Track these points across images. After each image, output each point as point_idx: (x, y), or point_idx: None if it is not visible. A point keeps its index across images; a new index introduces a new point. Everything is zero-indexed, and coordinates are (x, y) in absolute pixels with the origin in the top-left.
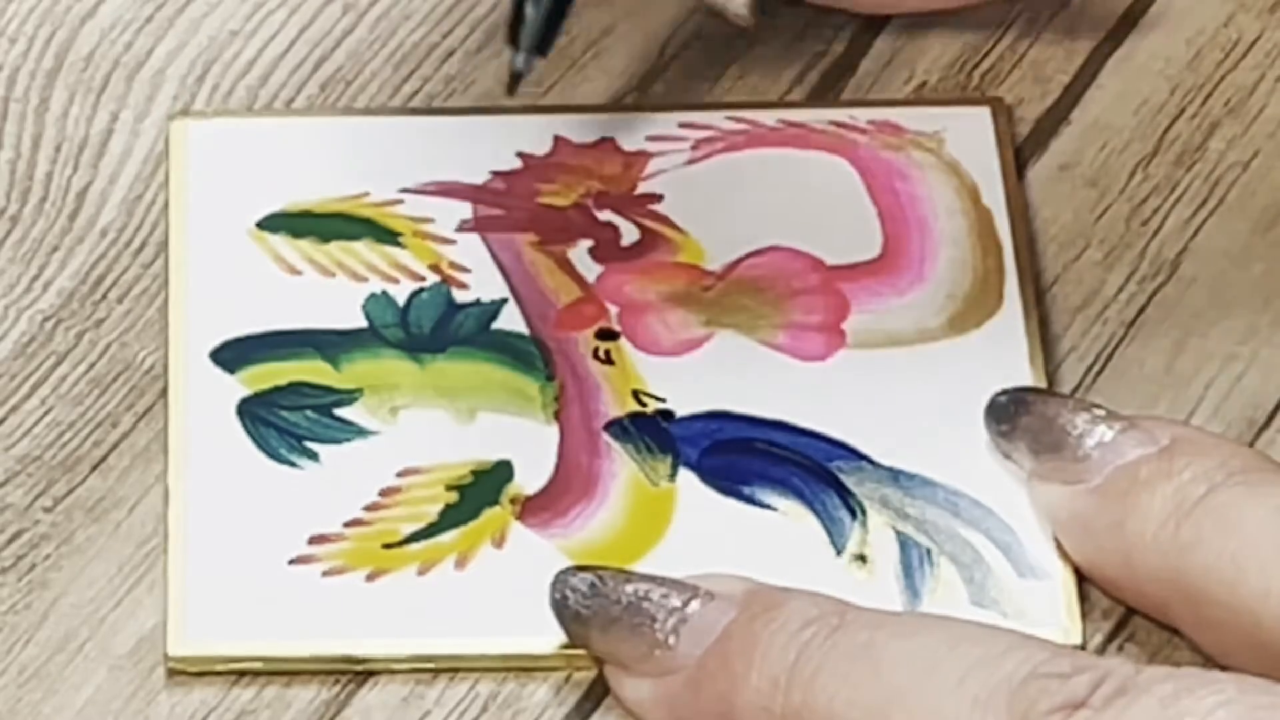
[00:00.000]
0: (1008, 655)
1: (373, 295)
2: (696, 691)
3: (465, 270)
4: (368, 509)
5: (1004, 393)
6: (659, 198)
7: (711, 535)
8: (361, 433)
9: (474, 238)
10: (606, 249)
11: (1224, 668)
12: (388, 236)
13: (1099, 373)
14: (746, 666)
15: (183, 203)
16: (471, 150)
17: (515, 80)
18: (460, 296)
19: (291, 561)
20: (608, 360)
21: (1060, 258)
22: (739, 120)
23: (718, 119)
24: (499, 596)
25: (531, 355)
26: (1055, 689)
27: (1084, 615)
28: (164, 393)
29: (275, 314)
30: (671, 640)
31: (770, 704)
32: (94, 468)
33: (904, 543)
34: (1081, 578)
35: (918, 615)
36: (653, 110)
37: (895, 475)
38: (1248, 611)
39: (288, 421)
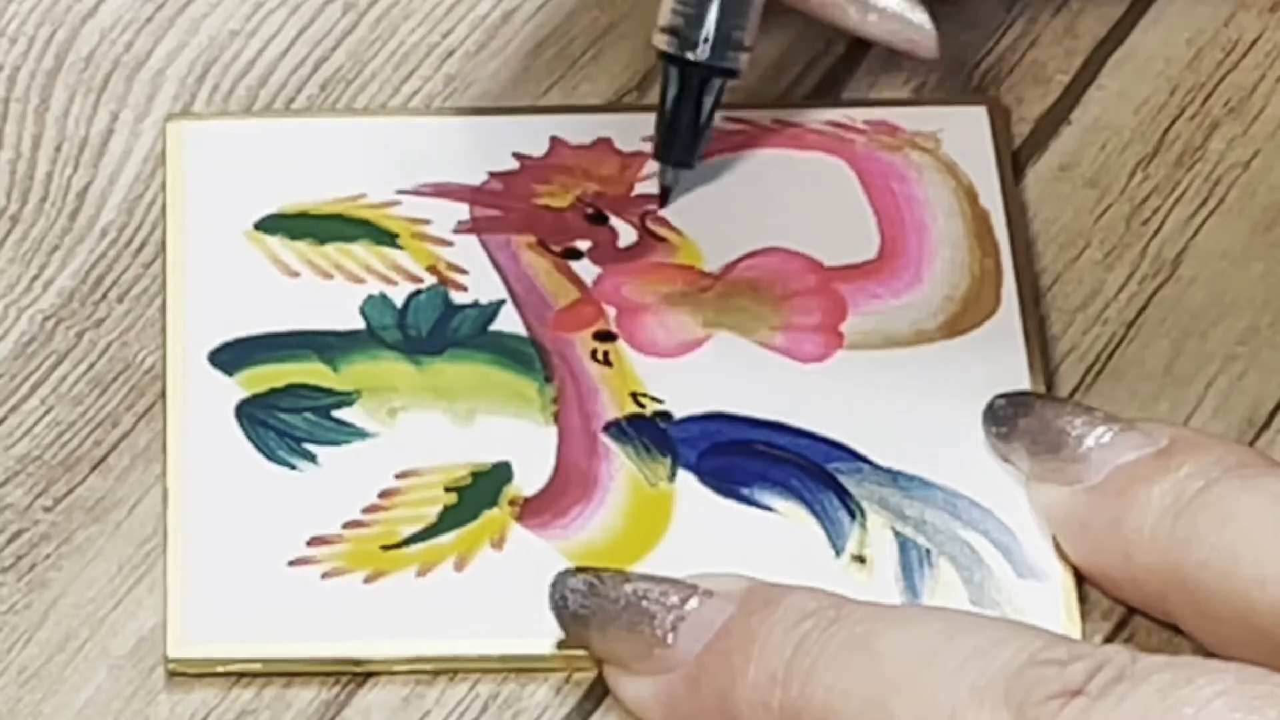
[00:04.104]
0: (1005, 643)
1: (370, 297)
2: (696, 689)
3: (463, 272)
4: (367, 511)
5: (1002, 396)
6: (656, 199)
7: (711, 537)
8: (360, 434)
9: (471, 239)
10: (604, 250)
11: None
12: (385, 238)
13: (1099, 373)
14: (745, 661)
15: (180, 205)
16: (468, 151)
17: (665, 194)
18: (458, 298)
19: (291, 563)
20: (606, 362)
21: (1060, 258)
22: (735, 121)
23: (714, 119)
24: (498, 598)
25: (529, 357)
26: (1052, 676)
27: (1083, 616)
28: (164, 394)
29: (273, 316)
30: (670, 638)
31: (769, 698)
32: (94, 467)
33: (903, 544)
34: (1081, 579)
35: (915, 606)
36: (650, 111)
37: (894, 476)
38: (1244, 600)
39: (286, 423)
